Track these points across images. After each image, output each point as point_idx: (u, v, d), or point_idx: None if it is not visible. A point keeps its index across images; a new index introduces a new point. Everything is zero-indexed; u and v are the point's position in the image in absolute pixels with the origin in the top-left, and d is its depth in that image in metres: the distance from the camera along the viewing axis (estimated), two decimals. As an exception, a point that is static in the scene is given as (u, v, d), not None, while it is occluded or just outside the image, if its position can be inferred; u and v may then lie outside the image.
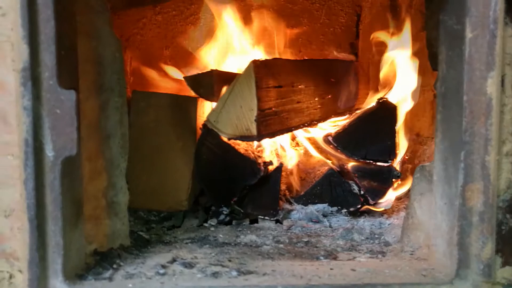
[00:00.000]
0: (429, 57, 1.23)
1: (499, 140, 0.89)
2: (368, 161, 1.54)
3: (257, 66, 1.35)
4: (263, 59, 1.46)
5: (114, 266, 0.99)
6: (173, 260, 1.04)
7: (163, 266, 0.98)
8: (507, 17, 0.89)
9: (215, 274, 0.94)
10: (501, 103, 0.90)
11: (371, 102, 1.73)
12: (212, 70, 1.55)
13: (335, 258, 1.13)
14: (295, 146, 1.83)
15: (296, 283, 0.89)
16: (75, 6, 0.93)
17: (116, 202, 1.13)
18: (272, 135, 1.45)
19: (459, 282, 0.90)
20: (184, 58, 1.96)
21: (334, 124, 1.88)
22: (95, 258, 1.02)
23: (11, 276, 0.95)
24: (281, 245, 1.25)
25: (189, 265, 1.00)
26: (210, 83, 1.53)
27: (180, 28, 2.00)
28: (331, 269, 0.99)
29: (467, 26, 0.86)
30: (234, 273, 0.95)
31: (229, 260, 1.06)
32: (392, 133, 1.52)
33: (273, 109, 1.44)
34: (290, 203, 1.60)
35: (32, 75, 0.79)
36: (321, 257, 1.14)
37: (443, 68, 0.98)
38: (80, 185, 0.96)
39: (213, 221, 1.46)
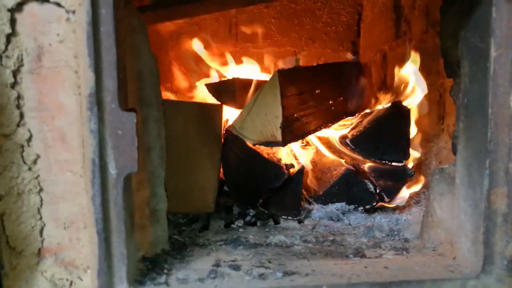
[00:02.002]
0: (444, 65, 1.31)
1: (519, 147, 0.98)
2: (384, 161, 1.63)
3: (281, 75, 1.42)
4: (287, 68, 1.53)
5: (165, 271, 1.06)
6: (217, 264, 1.12)
7: (212, 270, 1.06)
8: (526, 36, 0.97)
9: (261, 276, 1.02)
10: (521, 113, 0.98)
11: (383, 104, 1.82)
12: (234, 78, 1.61)
13: (363, 256, 1.22)
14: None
15: (339, 282, 0.97)
16: (124, 29, 0.99)
17: (158, 210, 1.20)
18: (294, 139, 1.53)
19: (484, 277, 1.00)
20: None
21: (343, 124, 1.96)
22: (144, 264, 1.09)
23: (71, 283, 1.02)
24: (310, 245, 1.33)
25: (235, 268, 1.07)
26: (232, 90, 1.60)
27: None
28: (365, 267, 1.08)
29: (492, 45, 0.94)
30: (279, 274, 1.03)
31: (269, 261, 1.14)
32: (406, 135, 1.61)
33: (295, 115, 1.52)
34: (309, 203, 1.69)
35: (97, 100, 0.85)
36: (351, 255, 1.22)
37: (466, 81, 1.06)
38: (131, 197, 1.03)
39: (239, 222, 1.54)
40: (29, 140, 0.98)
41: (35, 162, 0.99)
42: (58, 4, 0.92)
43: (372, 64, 2.56)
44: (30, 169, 0.99)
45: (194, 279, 1.01)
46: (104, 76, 0.86)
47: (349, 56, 2.66)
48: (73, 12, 0.92)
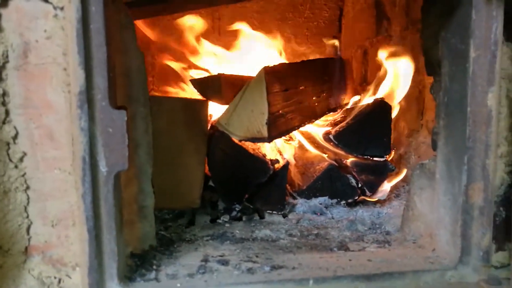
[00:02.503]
0: (425, 64, 1.35)
1: (495, 144, 1.03)
2: (366, 156, 1.67)
3: (267, 72, 1.44)
4: (272, 65, 1.55)
5: (154, 267, 1.07)
6: (206, 259, 1.13)
7: (201, 265, 1.07)
8: (503, 37, 1.02)
9: (250, 270, 1.05)
10: (497, 111, 1.03)
11: (366, 101, 1.86)
12: (219, 74, 1.62)
13: (347, 249, 1.26)
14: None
15: (325, 275, 1.01)
16: (112, 26, 0.98)
17: (145, 206, 1.20)
18: (280, 135, 1.56)
19: (462, 267, 1.05)
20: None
21: (325, 119, 2.00)
22: (133, 260, 1.10)
23: (60, 281, 1.02)
24: (295, 239, 1.37)
25: (223, 263, 1.09)
26: (218, 86, 1.60)
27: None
28: (349, 260, 1.12)
29: (471, 46, 0.98)
30: (267, 268, 1.06)
31: (256, 256, 1.16)
32: (388, 131, 1.66)
33: (281, 111, 1.54)
34: (294, 197, 1.72)
35: (88, 98, 0.85)
36: (335, 249, 1.26)
37: (446, 81, 1.10)
38: (120, 194, 1.03)
39: (225, 217, 1.56)
40: (15, 137, 0.97)
41: (21, 159, 0.98)
42: (45, 0, 0.91)
43: (353, 59, 2.60)
44: (16, 166, 0.98)
45: (183, 275, 1.02)
46: (95, 74, 0.86)
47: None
48: (61, 8, 0.91)
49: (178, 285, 0.97)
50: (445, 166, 1.12)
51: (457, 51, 1.04)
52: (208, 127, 1.58)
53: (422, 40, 1.38)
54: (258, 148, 1.69)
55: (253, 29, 2.83)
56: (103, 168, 0.89)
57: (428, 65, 1.32)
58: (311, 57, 2.82)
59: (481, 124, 1.00)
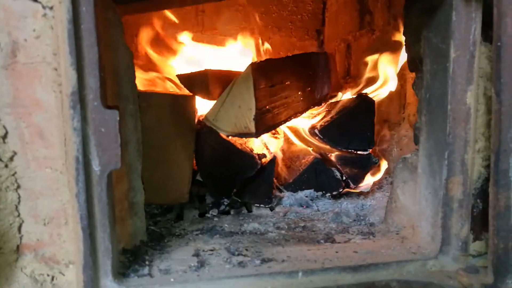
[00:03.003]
0: (408, 61, 1.39)
1: (473, 140, 1.08)
2: (350, 150, 1.72)
3: (254, 68, 1.46)
4: (259, 61, 1.56)
5: (147, 262, 1.09)
6: (197, 253, 1.16)
7: (193, 260, 1.10)
8: (480, 38, 1.06)
9: (241, 264, 1.08)
10: (475, 109, 1.08)
11: (350, 95, 1.90)
12: (206, 70, 1.63)
13: (333, 241, 1.30)
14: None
15: (314, 267, 1.04)
16: (101, 25, 0.98)
17: (135, 203, 1.22)
18: (267, 130, 1.58)
19: (442, 256, 1.10)
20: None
21: (310, 113, 2.03)
22: (126, 256, 1.12)
23: (53, 278, 1.03)
24: (283, 231, 1.40)
25: (214, 257, 1.12)
26: (205, 82, 1.61)
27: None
28: (336, 252, 1.16)
29: (452, 47, 1.02)
30: (257, 261, 1.09)
31: (246, 249, 1.20)
32: (371, 125, 1.71)
33: (267, 107, 1.56)
34: (280, 190, 1.76)
35: (80, 98, 0.85)
36: (322, 241, 1.30)
37: (428, 78, 1.14)
38: (112, 192, 1.04)
39: (214, 212, 1.58)
40: (4, 136, 0.97)
41: (11, 159, 0.98)
42: (34, 0, 0.91)
43: (336, 53, 2.64)
44: (6, 166, 0.98)
45: (176, 270, 1.05)
46: (86, 74, 0.86)
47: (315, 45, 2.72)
48: (51, 8, 0.90)
49: (172, 279, 0.99)
50: (426, 160, 1.17)
51: (438, 50, 1.09)
52: (196, 123, 1.59)
53: (405, 37, 1.42)
54: (245, 143, 1.71)
55: (238, 22, 2.84)
56: (96, 167, 0.90)
57: (411, 61, 1.37)
58: (295, 50, 2.85)
59: (461, 121, 1.05)
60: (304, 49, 2.86)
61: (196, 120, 1.60)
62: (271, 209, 1.62)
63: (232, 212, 1.60)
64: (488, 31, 1.04)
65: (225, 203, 1.58)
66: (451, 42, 1.02)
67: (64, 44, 0.83)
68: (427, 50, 1.15)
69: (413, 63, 1.35)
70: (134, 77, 1.21)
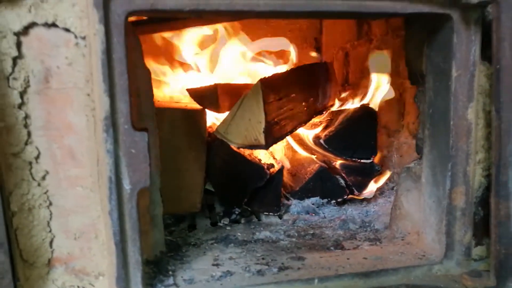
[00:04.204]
0: (409, 74, 1.47)
1: (474, 152, 1.16)
2: (354, 159, 1.80)
3: (263, 83, 1.53)
4: (267, 76, 1.63)
5: (170, 272, 1.16)
6: (217, 263, 1.23)
7: (213, 269, 1.17)
8: (480, 57, 1.14)
9: (259, 272, 1.15)
10: (475, 123, 1.16)
11: (351, 105, 1.98)
12: (215, 84, 1.69)
13: (343, 248, 1.37)
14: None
15: (328, 274, 1.12)
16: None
17: (155, 215, 1.28)
18: (275, 142, 1.65)
19: (446, 261, 1.18)
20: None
21: (313, 121, 2.11)
22: (149, 267, 1.18)
23: (83, 290, 1.09)
24: (294, 239, 1.47)
25: (233, 265, 1.19)
26: (214, 96, 1.68)
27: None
28: (347, 259, 1.23)
29: (453, 66, 1.10)
30: (275, 269, 1.16)
31: (262, 258, 1.26)
32: (374, 134, 1.79)
33: (275, 119, 1.63)
34: (287, 198, 1.83)
35: (112, 122, 0.92)
36: (332, 248, 1.38)
37: (431, 95, 1.22)
38: (139, 208, 1.11)
39: (225, 220, 1.65)
40: (37, 157, 1.03)
41: (44, 178, 1.04)
42: (67, 30, 0.97)
43: (334, 61, 2.72)
44: (39, 184, 1.04)
45: (200, 279, 1.11)
46: (117, 99, 0.93)
47: (313, 54, 2.80)
48: (83, 38, 0.97)
49: (197, 289, 1.06)
50: (430, 171, 1.25)
51: (440, 69, 1.16)
52: (207, 135, 1.66)
53: (406, 52, 1.50)
54: (252, 153, 1.78)
55: (237, 31, 2.91)
56: (127, 186, 0.96)
57: (412, 75, 1.44)
58: (294, 58, 2.93)
59: (462, 135, 1.13)
60: (302, 56, 2.93)
61: (207, 133, 1.67)
62: (280, 217, 1.69)
63: (242, 221, 1.66)
64: (486, 51, 1.12)
65: (236, 212, 1.65)
66: (453, 62, 1.10)
67: (98, 73, 0.90)
68: (429, 67, 1.23)
69: (415, 77, 1.43)
70: (152, 96, 1.27)
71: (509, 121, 0.97)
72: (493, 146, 1.00)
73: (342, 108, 2.08)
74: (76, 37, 0.97)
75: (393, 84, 1.98)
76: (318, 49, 3.06)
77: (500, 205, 1.00)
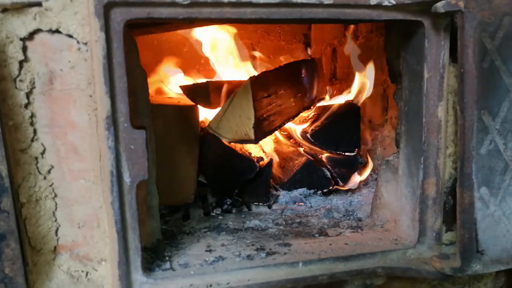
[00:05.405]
0: (389, 73, 1.57)
1: (444, 146, 1.27)
2: (338, 152, 1.90)
3: (252, 81, 1.62)
4: (256, 75, 1.73)
5: (166, 258, 1.26)
6: (210, 249, 1.33)
7: (206, 254, 1.27)
8: (449, 59, 1.25)
9: (249, 257, 1.25)
10: (445, 120, 1.27)
11: (336, 101, 2.08)
12: (207, 82, 1.78)
13: (326, 235, 1.48)
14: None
15: (312, 258, 1.22)
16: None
17: (152, 206, 1.38)
18: (264, 136, 1.75)
19: (419, 246, 1.30)
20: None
21: (300, 116, 2.21)
22: (147, 254, 1.28)
23: (87, 274, 1.19)
24: (281, 227, 1.58)
25: (225, 251, 1.29)
26: (206, 92, 1.77)
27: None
28: (330, 244, 1.34)
29: (425, 68, 1.20)
30: (263, 254, 1.26)
31: (252, 244, 1.37)
32: (357, 129, 1.89)
33: (264, 115, 1.73)
34: (276, 189, 1.93)
35: (113, 121, 1.01)
36: (316, 235, 1.48)
37: (406, 94, 1.33)
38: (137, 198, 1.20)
39: (217, 211, 1.75)
40: (42, 153, 1.12)
41: (49, 172, 1.13)
42: (70, 36, 1.05)
43: (322, 56, 2.81)
44: (45, 178, 1.13)
45: (194, 264, 1.21)
46: (117, 100, 1.02)
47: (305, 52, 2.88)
48: (85, 43, 1.05)
49: (192, 272, 1.16)
50: (406, 164, 1.36)
51: (414, 70, 1.27)
52: (200, 130, 1.75)
53: (386, 53, 1.60)
54: (243, 146, 1.88)
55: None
56: (127, 179, 1.05)
57: (391, 74, 1.55)
58: (283, 53, 3.01)
59: (433, 131, 1.24)
60: (291, 52, 3.02)
61: (199, 128, 1.76)
62: (269, 207, 1.80)
63: (234, 211, 1.77)
64: (455, 54, 1.22)
65: (228, 203, 1.75)
66: (425, 65, 1.20)
67: (99, 76, 0.99)
68: (405, 68, 1.33)
69: (394, 76, 1.53)
70: (148, 94, 1.36)
71: (471, 120, 1.08)
72: (458, 142, 1.11)
73: (330, 103, 2.18)
74: (78, 42, 1.06)
75: (377, 80, 2.08)
76: (307, 45, 3.15)
77: (464, 194, 1.11)
